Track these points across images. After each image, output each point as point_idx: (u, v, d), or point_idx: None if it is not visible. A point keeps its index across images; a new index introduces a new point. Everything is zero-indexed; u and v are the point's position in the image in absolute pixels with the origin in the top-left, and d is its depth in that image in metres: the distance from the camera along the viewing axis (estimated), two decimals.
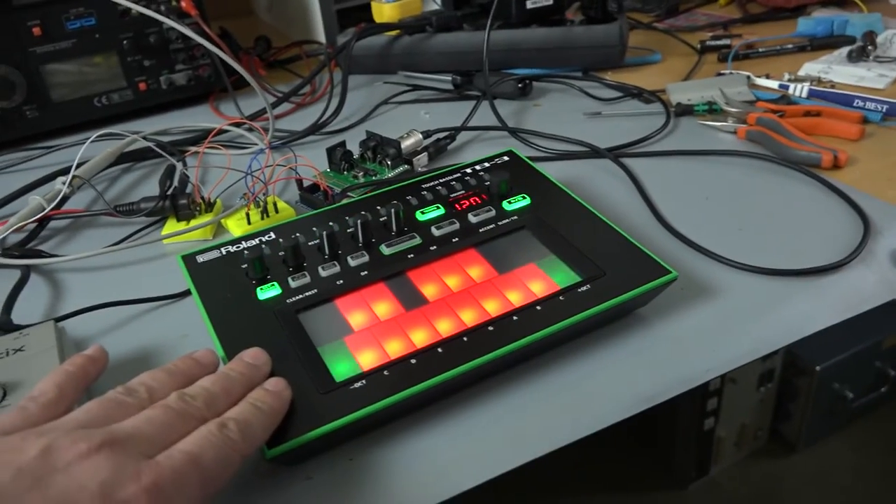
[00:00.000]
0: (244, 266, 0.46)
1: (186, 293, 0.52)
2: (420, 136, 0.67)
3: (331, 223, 0.49)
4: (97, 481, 0.27)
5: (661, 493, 1.33)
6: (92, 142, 0.63)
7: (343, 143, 0.66)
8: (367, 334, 0.42)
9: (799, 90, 0.77)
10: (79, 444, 0.29)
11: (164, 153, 0.66)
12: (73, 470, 0.28)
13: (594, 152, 0.68)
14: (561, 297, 0.43)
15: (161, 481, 0.28)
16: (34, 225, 0.62)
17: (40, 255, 0.59)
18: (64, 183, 0.63)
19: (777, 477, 1.34)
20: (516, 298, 0.43)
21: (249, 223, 0.59)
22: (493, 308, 0.43)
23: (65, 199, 0.63)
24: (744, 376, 1.25)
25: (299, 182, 0.63)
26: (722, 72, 0.85)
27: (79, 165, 0.65)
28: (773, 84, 0.80)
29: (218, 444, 0.31)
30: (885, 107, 0.70)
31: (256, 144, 0.75)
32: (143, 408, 0.33)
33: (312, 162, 0.62)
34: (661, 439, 1.35)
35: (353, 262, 0.46)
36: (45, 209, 0.61)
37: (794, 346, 1.28)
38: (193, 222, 0.60)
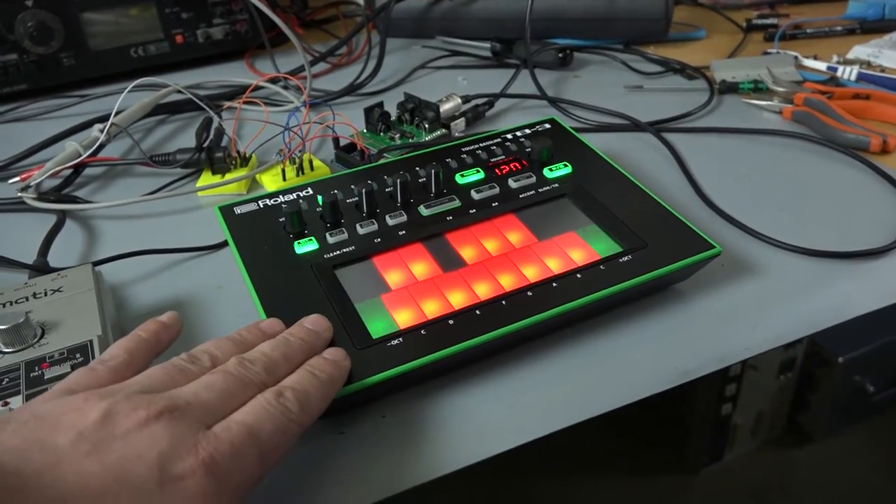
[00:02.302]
0: (281, 220, 0.46)
1: (221, 245, 0.52)
2: (459, 100, 0.66)
3: (370, 182, 0.49)
4: (155, 451, 0.27)
5: (672, 476, 1.33)
6: (129, 91, 0.63)
7: (381, 104, 0.65)
8: (405, 293, 0.41)
9: (848, 73, 0.75)
10: (139, 411, 0.28)
11: (202, 105, 0.66)
12: (132, 437, 0.27)
13: (635, 126, 0.67)
14: (601, 267, 0.42)
15: (218, 455, 0.28)
16: (69, 171, 0.62)
17: (76, 200, 0.59)
18: (101, 130, 0.63)
19: (791, 467, 1.33)
20: (556, 265, 0.43)
21: (284, 179, 0.58)
22: (532, 274, 0.42)
23: (101, 146, 0.63)
24: (764, 364, 1.24)
25: (336, 141, 0.62)
26: (768, 51, 0.83)
27: (116, 114, 0.65)
28: (821, 66, 0.78)
29: (276, 414, 0.31)
30: None
31: (292, 102, 0.75)
32: None
33: (350, 122, 0.62)
34: (676, 423, 1.35)
35: (391, 222, 0.46)
36: (81, 155, 0.61)
37: (817, 336, 1.27)
38: (228, 176, 0.60)
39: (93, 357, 0.37)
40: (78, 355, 0.37)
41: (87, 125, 0.68)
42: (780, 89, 0.70)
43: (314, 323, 0.38)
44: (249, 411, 0.30)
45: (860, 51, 0.81)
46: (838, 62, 0.78)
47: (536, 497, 1.26)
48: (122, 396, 0.29)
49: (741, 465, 1.33)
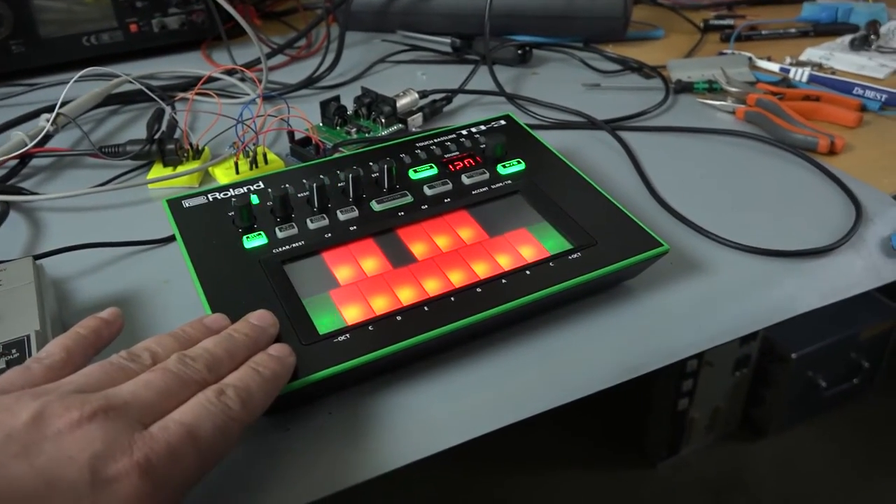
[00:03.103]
0: (231, 214, 0.45)
1: (169, 239, 0.51)
2: (416, 95, 0.66)
3: (321, 176, 0.48)
4: (87, 453, 0.26)
5: (629, 470, 1.35)
6: (78, 81, 0.61)
7: (338, 98, 0.64)
8: (353, 289, 0.41)
9: (799, 74, 0.76)
10: (72, 411, 0.27)
11: (153, 96, 0.64)
12: (64, 439, 0.26)
13: (591, 123, 0.67)
14: (551, 264, 0.42)
15: (154, 456, 0.27)
16: (15, 162, 0.61)
17: (20, 192, 0.58)
18: (48, 120, 0.61)
19: (745, 460, 1.36)
20: (506, 262, 0.43)
21: (237, 173, 0.57)
22: (481, 270, 0.42)
23: (48, 137, 0.62)
24: (720, 360, 1.26)
25: (291, 134, 0.61)
26: (724, 51, 0.84)
27: (64, 104, 0.63)
28: (774, 67, 0.79)
29: (216, 412, 0.30)
30: (884, 96, 0.70)
31: (248, 95, 0.74)
32: None
33: (305, 115, 0.61)
34: (634, 417, 1.36)
35: (342, 217, 0.46)
36: (27, 146, 0.60)
37: (771, 333, 1.29)
38: (180, 168, 0.59)
39: (30, 353, 0.36)
40: (14, 351, 0.36)
41: (35, 115, 0.66)
42: (734, 90, 0.71)
43: (259, 318, 0.37)
44: (188, 410, 0.30)
45: (812, 53, 0.82)
46: (791, 64, 0.79)
47: (497, 493, 1.27)
48: (55, 396, 0.28)
49: (697, 458, 1.36)
